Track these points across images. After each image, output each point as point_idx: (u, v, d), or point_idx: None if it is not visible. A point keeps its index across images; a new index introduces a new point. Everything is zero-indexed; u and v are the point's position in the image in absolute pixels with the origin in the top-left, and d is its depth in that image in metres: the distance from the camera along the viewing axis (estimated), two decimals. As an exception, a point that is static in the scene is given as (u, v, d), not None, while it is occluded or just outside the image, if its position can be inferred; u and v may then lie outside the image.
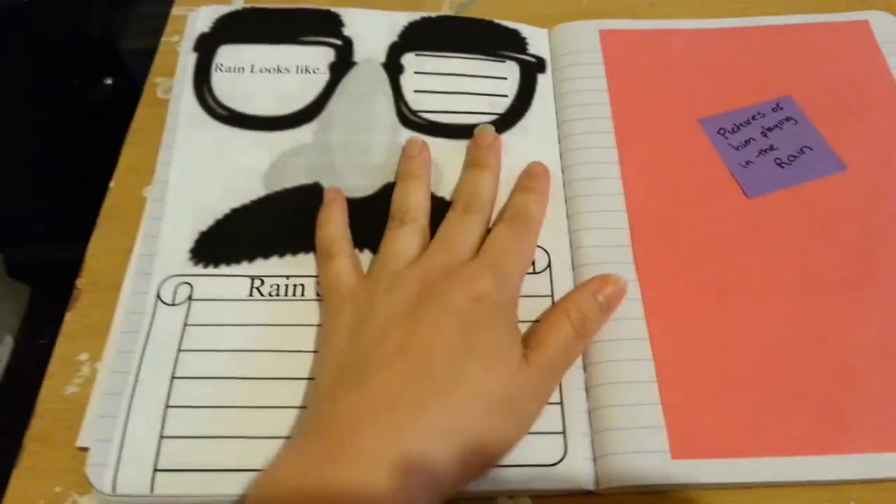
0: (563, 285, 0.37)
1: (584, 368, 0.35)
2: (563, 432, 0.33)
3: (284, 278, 0.38)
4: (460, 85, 0.45)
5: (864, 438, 0.33)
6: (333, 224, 0.39)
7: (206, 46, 0.46)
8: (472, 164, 0.41)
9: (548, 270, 0.38)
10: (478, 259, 0.35)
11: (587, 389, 0.35)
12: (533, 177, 0.40)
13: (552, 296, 0.37)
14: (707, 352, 0.35)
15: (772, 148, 0.42)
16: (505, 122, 0.43)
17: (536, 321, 0.36)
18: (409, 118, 0.43)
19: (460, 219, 0.37)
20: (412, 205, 0.38)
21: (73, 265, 0.40)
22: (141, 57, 0.51)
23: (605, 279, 0.36)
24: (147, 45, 0.50)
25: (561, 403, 0.34)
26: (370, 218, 0.39)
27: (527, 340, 0.34)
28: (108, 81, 0.85)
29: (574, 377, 0.35)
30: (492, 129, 0.42)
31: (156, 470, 0.32)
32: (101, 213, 0.41)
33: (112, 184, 0.42)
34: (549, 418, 0.33)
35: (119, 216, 0.41)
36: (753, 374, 0.34)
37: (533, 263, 0.38)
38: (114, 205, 0.42)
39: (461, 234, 0.37)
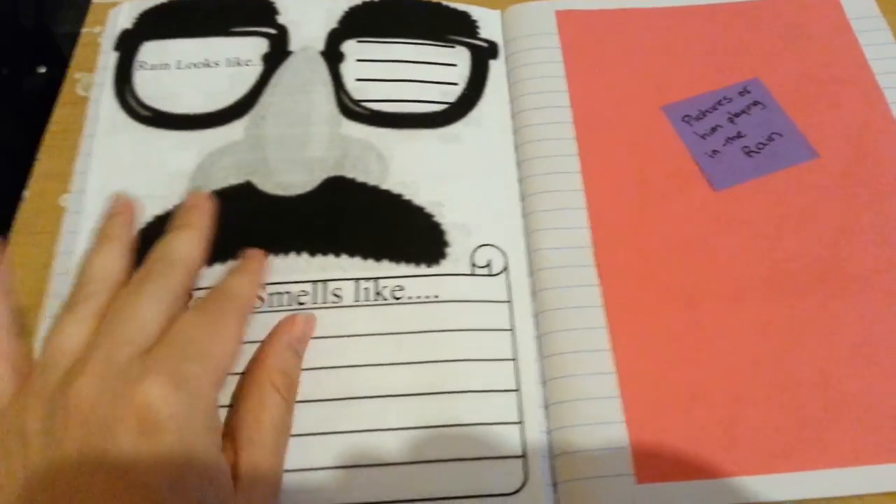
0: (521, 290, 0.35)
1: (543, 384, 0.33)
2: (524, 456, 0.31)
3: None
4: (406, 72, 0.41)
5: (843, 452, 0.31)
6: None
7: (129, 44, 0.42)
8: (170, 226, 0.33)
9: (504, 274, 0.35)
10: (147, 355, 0.27)
11: (547, 407, 0.32)
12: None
13: (510, 301, 0.34)
14: (675, 363, 0.33)
15: (739, 135, 0.39)
16: (455, 111, 0.40)
17: (232, 400, 0.30)
18: (350, 108, 0.40)
19: (133, 289, 0.29)
20: (94, 274, 0.31)
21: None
22: (75, 43, 0.47)
23: (291, 322, 0.32)
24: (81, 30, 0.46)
25: (521, 423, 0.31)
26: (310, 217, 0.36)
27: (237, 437, 0.28)
28: (42, 70, 0.80)
29: (534, 394, 0.32)
30: (202, 193, 0.36)
31: None
32: (15, 225, 0.38)
33: (27, 192, 0.39)
34: (507, 441, 0.31)
35: (35, 229, 0.37)
36: (725, 386, 0.32)
37: (489, 264, 0.35)
38: (29, 216, 0.38)
39: (132, 309, 0.28)
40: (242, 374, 0.31)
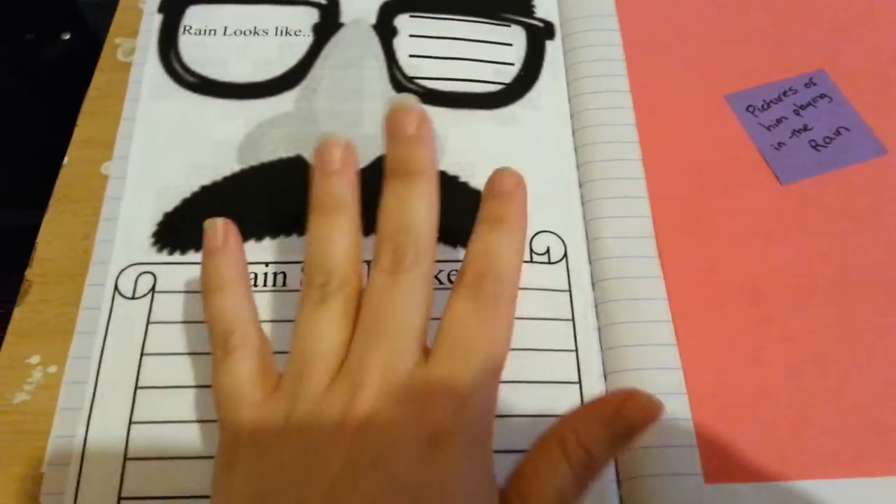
0: (581, 279, 0.34)
1: (605, 377, 0.31)
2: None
3: (263, 265, 0.33)
4: (461, 50, 0.40)
5: (916, 459, 0.29)
6: (232, 293, 0.27)
7: (173, 7, 0.41)
8: (390, 172, 0.27)
9: (564, 261, 0.34)
10: (431, 366, 0.23)
11: (609, 401, 0.31)
12: (501, 197, 0.26)
13: (569, 290, 0.33)
14: (741, 360, 0.31)
15: (806, 128, 0.38)
16: (512, 93, 0.39)
17: (524, 457, 0.25)
18: (403, 85, 0.39)
19: (390, 282, 0.25)
20: (336, 261, 0.26)
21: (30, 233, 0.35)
22: (102, 10, 0.46)
23: (627, 396, 0.24)
24: (112, 1, 0.45)
25: (581, 417, 0.30)
26: (363, 195, 0.35)
27: (511, 489, 0.24)
28: (66, 37, 0.78)
29: (596, 386, 0.31)
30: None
31: (120, 498, 0.28)
32: (54, 192, 0.36)
33: (66, 160, 0.37)
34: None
35: (74, 197, 0.36)
36: (792, 386, 0.31)
37: (548, 251, 0.34)
38: (68, 183, 0.36)
39: (397, 309, 0.24)
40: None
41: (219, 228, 0.28)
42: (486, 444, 0.24)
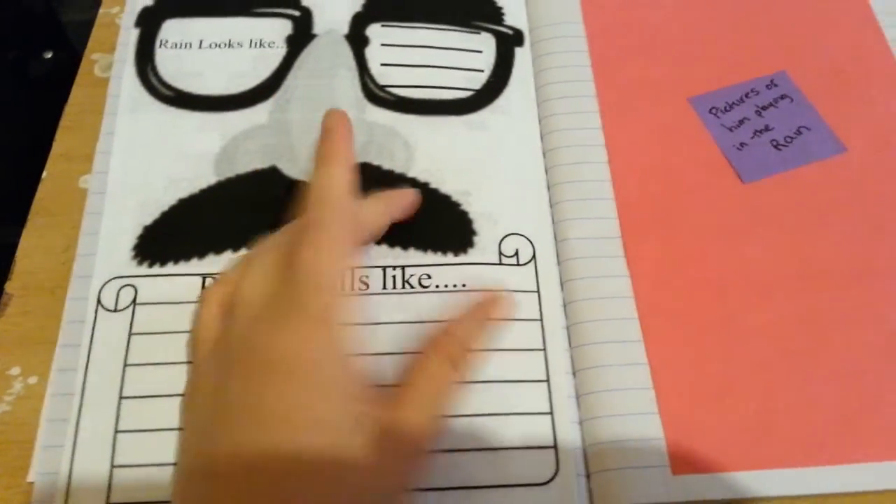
0: (550, 280, 0.34)
1: (574, 374, 0.32)
2: (555, 446, 0.30)
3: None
4: (431, 58, 0.41)
5: (876, 446, 0.30)
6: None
7: (150, 21, 0.41)
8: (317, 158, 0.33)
9: (532, 263, 0.35)
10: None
11: (578, 398, 0.32)
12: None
13: (538, 291, 0.34)
14: (707, 354, 0.32)
15: (767, 128, 0.39)
16: (481, 99, 0.40)
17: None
18: (375, 94, 0.39)
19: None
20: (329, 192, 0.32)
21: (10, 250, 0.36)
22: (85, 29, 0.46)
23: (492, 299, 0.32)
24: (90, 17, 0.45)
25: (551, 413, 0.31)
26: None
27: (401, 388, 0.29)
28: (49, 55, 0.79)
29: (564, 384, 0.32)
30: (338, 111, 0.35)
31: (108, 504, 0.29)
32: (33, 206, 0.37)
33: (45, 174, 0.38)
34: (538, 431, 0.30)
35: (53, 210, 0.37)
36: (757, 378, 0.32)
37: (517, 253, 0.35)
38: (47, 197, 0.37)
39: None
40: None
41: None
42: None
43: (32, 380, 0.32)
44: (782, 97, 0.40)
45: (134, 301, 0.33)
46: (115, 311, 0.33)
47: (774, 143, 0.38)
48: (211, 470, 0.25)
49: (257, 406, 0.25)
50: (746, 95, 0.40)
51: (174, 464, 0.30)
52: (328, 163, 0.31)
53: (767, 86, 0.40)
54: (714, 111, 0.39)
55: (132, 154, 0.37)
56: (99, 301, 0.33)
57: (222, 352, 0.28)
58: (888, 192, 0.37)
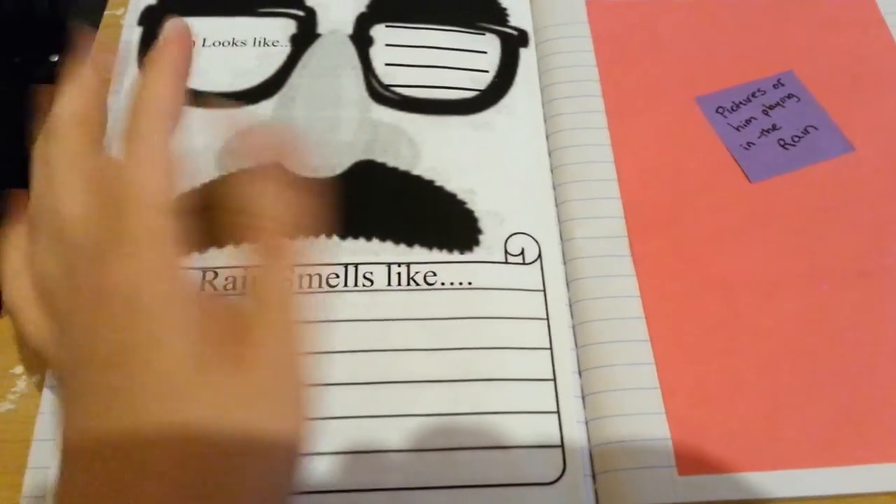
0: (556, 279, 0.34)
1: (580, 374, 0.32)
2: (562, 446, 0.30)
3: (242, 269, 0.34)
4: (436, 58, 0.41)
5: (885, 447, 0.30)
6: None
7: (153, 19, 0.41)
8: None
9: (538, 262, 0.35)
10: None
11: (584, 398, 0.31)
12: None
13: (544, 290, 0.34)
14: (714, 355, 0.32)
15: (774, 128, 0.38)
16: (486, 99, 0.39)
17: None
18: (380, 93, 0.39)
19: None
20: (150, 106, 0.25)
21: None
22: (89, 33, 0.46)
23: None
24: (96, 20, 0.45)
25: (558, 413, 0.31)
26: (340, 200, 0.35)
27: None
28: (55, 59, 0.79)
29: (570, 384, 0.31)
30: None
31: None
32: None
33: (48, 172, 0.38)
34: (545, 430, 0.30)
35: (56, 208, 0.36)
36: (764, 378, 0.31)
37: (523, 252, 0.34)
38: (50, 195, 0.37)
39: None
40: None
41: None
42: None
43: (36, 378, 0.32)
44: (789, 96, 0.39)
45: None
46: None
47: (782, 142, 0.38)
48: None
49: (106, 358, 0.21)
50: (753, 95, 0.40)
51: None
52: (154, 70, 0.25)
53: (774, 85, 0.40)
54: (721, 111, 0.39)
55: (135, 152, 0.37)
56: None
57: (50, 296, 0.23)
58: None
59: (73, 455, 0.20)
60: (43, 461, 0.30)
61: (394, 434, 0.30)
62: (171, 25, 0.28)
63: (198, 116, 0.38)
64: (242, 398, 0.21)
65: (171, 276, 0.22)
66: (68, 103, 0.25)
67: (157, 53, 0.26)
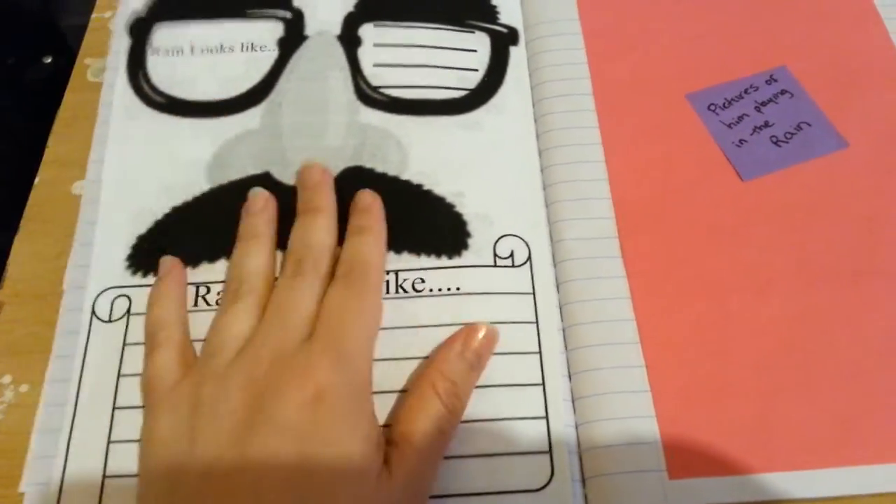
0: (545, 281, 0.34)
1: (570, 377, 0.32)
2: (550, 451, 0.30)
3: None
4: (425, 57, 0.40)
5: (877, 448, 0.30)
6: (165, 305, 0.32)
7: (141, 28, 0.41)
8: (300, 209, 0.34)
9: (528, 264, 0.34)
10: (312, 340, 0.28)
11: (573, 401, 0.31)
12: (362, 212, 0.34)
13: (533, 293, 0.33)
14: (704, 356, 0.32)
15: (767, 124, 0.38)
16: (476, 98, 0.39)
17: (402, 395, 0.31)
18: (368, 95, 0.39)
19: (290, 284, 0.31)
20: (250, 271, 0.32)
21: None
22: (83, 33, 0.46)
23: (470, 331, 0.31)
24: (89, 21, 0.45)
25: (546, 418, 0.30)
26: None
27: (392, 432, 0.29)
28: (48, 60, 0.79)
29: (560, 388, 0.31)
30: (319, 165, 0.36)
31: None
32: (25, 212, 0.37)
33: (37, 179, 0.38)
34: (533, 435, 0.30)
35: (46, 217, 0.36)
36: (755, 379, 0.31)
37: (512, 255, 0.34)
38: (39, 203, 0.37)
39: (293, 302, 0.30)
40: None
41: (166, 262, 0.34)
42: (364, 394, 0.29)
43: (24, 388, 0.32)
44: (782, 92, 0.39)
45: (128, 311, 0.33)
46: (110, 321, 0.33)
47: (774, 139, 0.38)
48: None
49: None
50: (745, 91, 0.39)
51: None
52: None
53: (767, 81, 0.40)
54: (712, 108, 0.39)
55: (125, 163, 0.37)
56: (93, 312, 0.33)
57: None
58: (891, 189, 0.36)
59: None
60: (42, 478, 0.30)
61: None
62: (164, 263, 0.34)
63: (187, 126, 0.38)
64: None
65: (362, 420, 0.28)
66: None
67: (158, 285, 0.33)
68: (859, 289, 0.33)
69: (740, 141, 0.37)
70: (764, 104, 0.39)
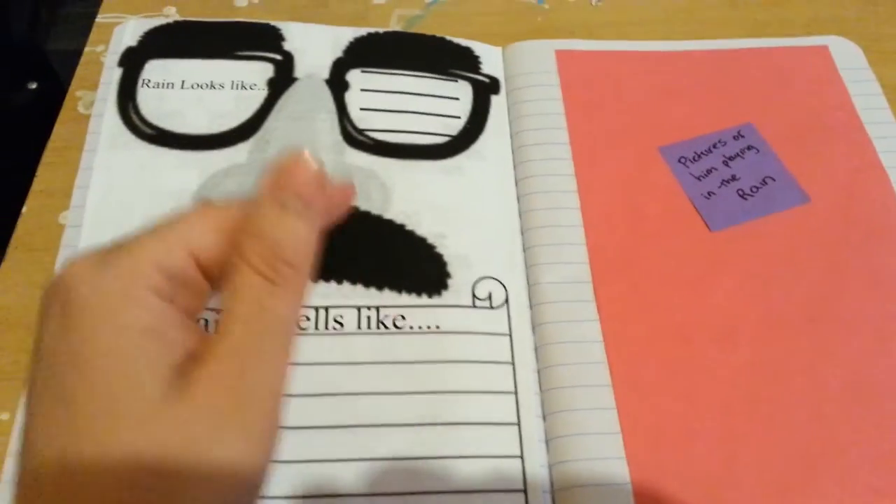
0: (522, 323, 0.35)
1: (544, 418, 0.33)
2: (525, 490, 0.31)
3: (214, 312, 0.34)
4: (410, 104, 0.42)
5: (839, 492, 0.31)
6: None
7: (133, 61, 0.42)
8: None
9: (505, 307, 0.35)
10: None
11: (547, 441, 0.32)
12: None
13: (510, 335, 0.35)
14: (672, 400, 0.33)
15: (734, 178, 0.40)
16: (458, 144, 0.41)
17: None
18: (354, 137, 0.40)
19: None
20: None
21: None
22: (69, 60, 0.47)
23: (283, 169, 0.23)
24: (76, 47, 0.46)
25: (521, 457, 0.31)
26: None
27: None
28: (33, 86, 0.79)
29: (534, 427, 0.32)
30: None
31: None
32: (12, 241, 0.37)
33: (25, 209, 0.38)
34: (508, 474, 0.31)
35: (32, 246, 0.37)
36: (720, 423, 0.32)
37: (490, 297, 0.35)
38: (27, 232, 0.38)
39: None
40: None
41: None
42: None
43: (4, 416, 0.32)
44: (749, 148, 0.41)
45: None
46: None
47: (741, 192, 0.39)
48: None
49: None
50: (714, 146, 0.41)
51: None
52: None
53: (735, 137, 0.42)
54: (683, 160, 0.41)
55: (110, 190, 0.38)
56: None
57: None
58: (851, 242, 0.38)
59: (27, 483, 0.20)
60: None
61: (354, 478, 0.30)
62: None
63: (174, 158, 0.39)
64: (194, 425, 0.19)
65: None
66: None
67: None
68: (820, 336, 0.35)
69: (709, 193, 0.39)
70: (731, 158, 0.41)
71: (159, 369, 0.20)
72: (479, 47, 0.45)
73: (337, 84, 0.42)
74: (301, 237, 0.22)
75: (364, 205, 0.38)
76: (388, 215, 0.38)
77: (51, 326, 0.20)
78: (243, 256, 0.21)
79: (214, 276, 0.22)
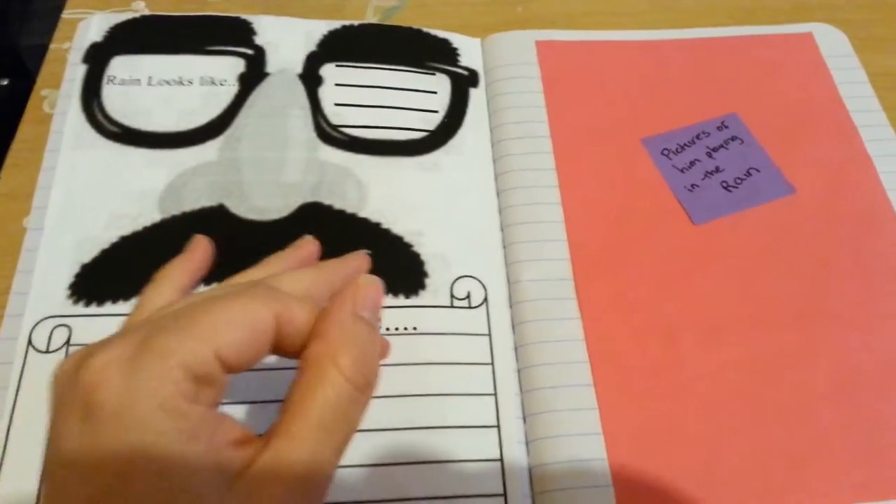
0: (501, 322, 0.34)
1: (525, 420, 0.32)
2: (504, 494, 0.30)
3: None
4: (386, 98, 0.41)
5: (824, 490, 0.30)
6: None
7: (98, 57, 0.41)
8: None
9: (484, 306, 0.35)
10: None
11: (527, 443, 0.31)
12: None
13: (489, 335, 0.34)
14: (655, 398, 0.32)
15: (718, 170, 0.39)
16: (435, 139, 0.40)
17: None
18: (328, 133, 0.39)
19: None
20: (146, 307, 0.26)
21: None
22: (42, 55, 0.46)
23: (354, 287, 0.25)
24: (48, 43, 0.45)
25: (501, 460, 0.31)
26: (285, 243, 0.35)
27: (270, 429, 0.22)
28: (4, 82, 0.77)
29: (514, 430, 0.31)
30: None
31: (29, 556, 0.28)
32: (-26, 246, 0.36)
33: (-13, 212, 0.37)
34: (488, 477, 0.30)
35: (-5, 250, 0.36)
36: (704, 422, 0.32)
37: (469, 296, 0.35)
38: (-11, 237, 0.36)
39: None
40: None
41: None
42: (161, 406, 0.21)
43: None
44: (733, 139, 0.40)
45: (68, 342, 0.32)
46: (47, 352, 0.32)
47: (725, 184, 0.39)
48: None
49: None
50: (698, 137, 0.40)
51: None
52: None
53: (718, 127, 0.41)
54: (666, 152, 0.40)
55: (73, 190, 0.36)
56: (30, 342, 0.32)
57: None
58: (836, 234, 0.37)
59: None
60: None
61: (335, 484, 0.29)
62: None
63: (141, 157, 0.37)
64: None
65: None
66: None
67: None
68: (805, 331, 0.34)
69: (692, 185, 0.38)
70: (715, 150, 0.40)
71: (213, 477, 0.20)
72: (457, 39, 0.44)
73: (310, 79, 0.41)
74: (379, 353, 0.25)
75: (339, 203, 0.37)
76: (363, 213, 0.37)
77: (71, 424, 0.20)
78: (334, 361, 0.22)
79: (235, 368, 0.22)
